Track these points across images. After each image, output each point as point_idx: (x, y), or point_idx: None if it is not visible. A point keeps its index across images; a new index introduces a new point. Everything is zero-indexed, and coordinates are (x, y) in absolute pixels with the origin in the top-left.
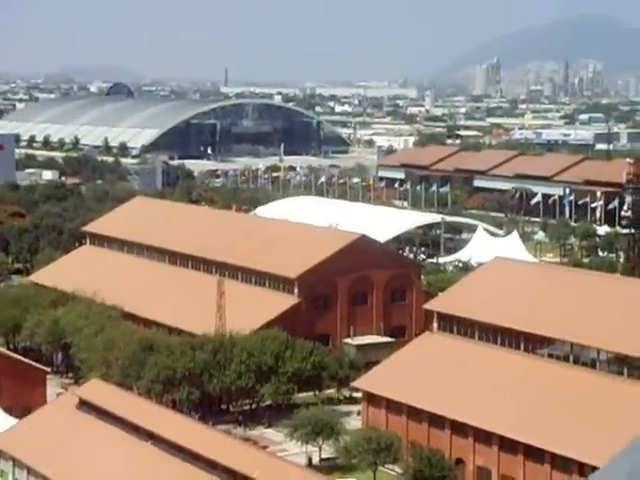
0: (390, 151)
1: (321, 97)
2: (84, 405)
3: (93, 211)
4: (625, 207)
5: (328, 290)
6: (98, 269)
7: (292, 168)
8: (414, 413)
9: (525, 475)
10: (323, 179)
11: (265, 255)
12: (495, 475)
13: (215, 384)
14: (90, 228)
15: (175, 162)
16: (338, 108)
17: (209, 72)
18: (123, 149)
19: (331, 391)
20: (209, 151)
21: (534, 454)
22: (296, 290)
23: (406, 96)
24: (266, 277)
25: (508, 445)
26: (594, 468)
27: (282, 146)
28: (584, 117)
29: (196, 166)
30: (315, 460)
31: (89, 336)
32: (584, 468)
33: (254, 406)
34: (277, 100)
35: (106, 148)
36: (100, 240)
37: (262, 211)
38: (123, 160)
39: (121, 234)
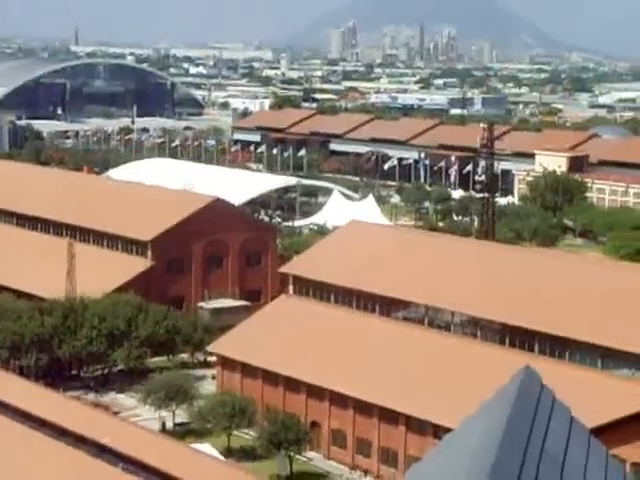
0: (245, 114)
1: (175, 58)
2: None
3: None
4: (479, 171)
5: (182, 253)
6: None
7: (145, 130)
8: (269, 377)
9: (380, 437)
10: (177, 141)
11: (118, 218)
12: (350, 437)
13: (65, 350)
14: None
15: (23, 122)
16: (192, 70)
17: (58, 30)
18: None
19: (185, 355)
20: (59, 111)
21: (389, 416)
22: (149, 253)
23: (262, 58)
24: (119, 240)
25: (363, 408)
26: (448, 430)
27: (135, 107)
28: (439, 82)
29: (45, 127)
30: (169, 425)
31: None
32: (438, 430)
33: (106, 371)
34: (130, 60)
35: None
36: None
37: (114, 173)
38: None
39: None
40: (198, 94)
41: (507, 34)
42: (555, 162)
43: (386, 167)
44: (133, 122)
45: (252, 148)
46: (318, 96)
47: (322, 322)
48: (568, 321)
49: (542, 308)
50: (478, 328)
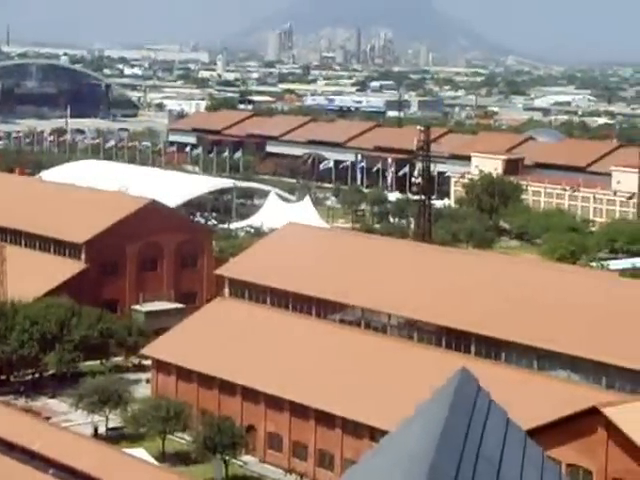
0: (181, 115)
1: (110, 59)
2: None
3: None
4: (415, 174)
5: (117, 256)
6: None
7: (80, 131)
8: (205, 380)
9: (316, 440)
10: (112, 143)
11: (51, 220)
12: (286, 441)
13: None
14: None
15: None
16: (128, 71)
17: None
18: None
19: (119, 359)
20: None
21: (325, 419)
22: (83, 256)
23: (198, 60)
24: (51, 242)
25: (299, 411)
26: (384, 432)
27: (69, 108)
28: (375, 84)
29: None
30: (102, 430)
31: None
32: (375, 432)
33: (37, 376)
34: (64, 61)
35: None
36: None
37: (48, 175)
38: None
39: None
40: (133, 95)
41: (444, 37)
42: (491, 164)
43: (324, 169)
44: (67, 123)
45: (188, 150)
46: (254, 98)
47: (258, 325)
48: (504, 323)
49: (478, 310)
50: (414, 330)
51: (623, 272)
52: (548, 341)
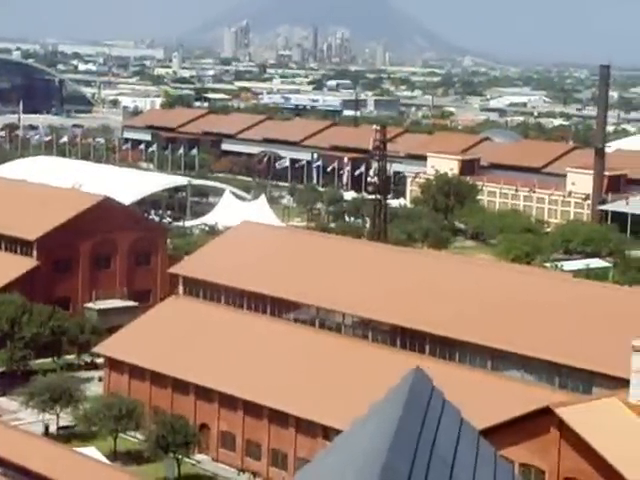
0: (136, 112)
1: (64, 55)
2: None
3: None
4: (371, 173)
5: (69, 253)
6: None
7: (32, 127)
8: (158, 379)
9: (270, 439)
10: (65, 139)
11: (2, 216)
12: (240, 439)
13: None
14: None
15: None
16: (82, 67)
17: None
18: None
19: (71, 357)
20: None
21: (279, 418)
22: (35, 253)
23: (153, 57)
24: (2, 239)
25: (253, 410)
26: (338, 431)
27: (21, 104)
28: (332, 83)
29: None
30: (52, 429)
31: None
32: (328, 431)
33: None
34: (16, 56)
35: None
36: None
37: None
38: None
39: None
40: (87, 91)
41: (400, 37)
42: (447, 165)
43: (280, 167)
44: (19, 119)
45: (142, 147)
46: (210, 96)
47: (212, 323)
48: (458, 322)
49: (433, 310)
50: (369, 330)
51: (577, 273)
52: (502, 341)
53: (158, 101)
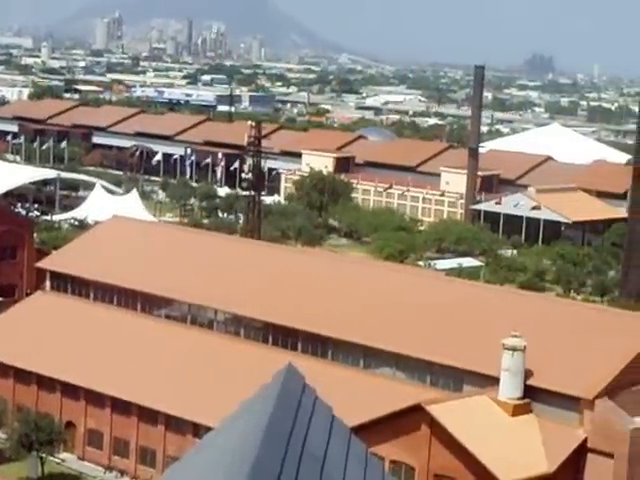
0: (2, 103)
1: None
2: None
3: None
4: (245, 169)
5: None
6: None
7: None
8: (22, 376)
9: (138, 437)
10: None
11: None
12: (107, 437)
13: None
14: None
15: None
16: None
17: None
18: None
19: None
20: None
21: (148, 415)
22: None
23: (21, 46)
24: None
25: (121, 407)
26: (208, 429)
27: None
28: (207, 78)
29: None
30: None
31: None
32: (198, 429)
33: None
34: None
35: None
36: None
37: None
38: None
39: None
40: None
41: (276, 33)
42: (322, 162)
43: (153, 162)
44: None
45: (9, 139)
46: (81, 87)
47: (80, 319)
48: (331, 320)
49: (305, 307)
50: (241, 326)
51: (449, 272)
52: (374, 339)
53: (26, 91)
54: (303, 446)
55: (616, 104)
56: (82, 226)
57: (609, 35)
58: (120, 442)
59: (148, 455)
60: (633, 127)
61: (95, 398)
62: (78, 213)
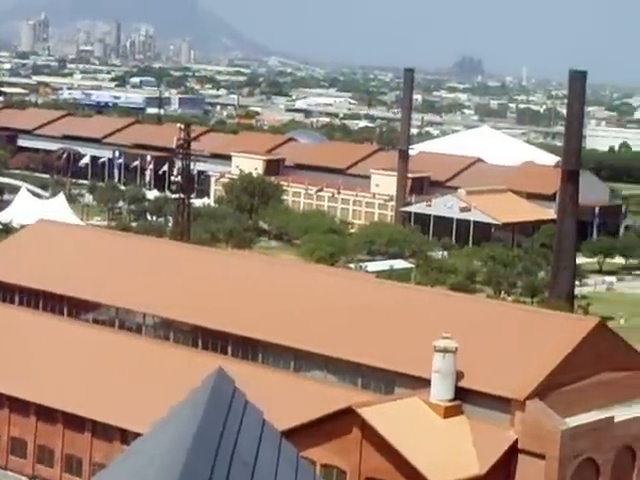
0: None
1: None
2: None
3: None
4: (175, 172)
5: None
6: None
7: None
8: None
9: (64, 444)
10: None
11: None
12: (31, 446)
13: None
14: None
15: None
16: None
17: None
18: None
19: None
20: None
21: (74, 422)
22: None
23: None
24: None
25: (46, 414)
26: (137, 435)
27: None
28: (135, 80)
29: None
30: None
31: None
32: (126, 435)
33: None
34: None
35: None
36: None
37: None
38: None
39: None
40: None
41: (206, 35)
42: (252, 164)
43: (80, 165)
44: None
45: None
46: (6, 90)
47: (4, 325)
48: (261, 323)
49: (235, 310)
50: (170, 330)
51: (380, 274)
52: (305, 342)
53: None
54: (233, 451)
55: (544, 106)
56: (7, 230)
57: (537, 38)
58: (45, 450)
59: (74, 463)
60: (561, 129)
61: (18, 405)
62: (3, 217)
